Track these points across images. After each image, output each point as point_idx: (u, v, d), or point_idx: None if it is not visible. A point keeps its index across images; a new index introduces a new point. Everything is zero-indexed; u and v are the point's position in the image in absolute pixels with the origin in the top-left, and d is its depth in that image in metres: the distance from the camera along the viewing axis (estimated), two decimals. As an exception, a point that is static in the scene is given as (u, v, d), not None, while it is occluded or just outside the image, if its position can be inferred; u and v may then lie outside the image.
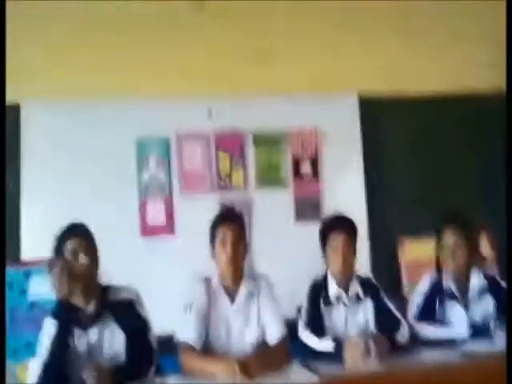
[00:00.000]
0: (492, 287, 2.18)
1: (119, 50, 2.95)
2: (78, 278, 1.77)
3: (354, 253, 2.18)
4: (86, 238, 1.85)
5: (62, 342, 1.71)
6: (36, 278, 2.11)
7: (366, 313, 2.16)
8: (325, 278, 2.19)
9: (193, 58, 3.02)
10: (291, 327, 2.08)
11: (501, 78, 3.25)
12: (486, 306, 2.17)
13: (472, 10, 3.27)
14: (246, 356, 1.91)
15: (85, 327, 1.80)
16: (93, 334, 1.80)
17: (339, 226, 2.18)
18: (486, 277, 2.21)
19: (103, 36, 2.93)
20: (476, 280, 2.19)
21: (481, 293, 2.18)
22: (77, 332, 1.79)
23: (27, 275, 2.14)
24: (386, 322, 2.08)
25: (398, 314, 2.11)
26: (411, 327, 2.09)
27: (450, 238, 2.20)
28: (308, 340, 2.03)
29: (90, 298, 1.82)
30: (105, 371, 1.68)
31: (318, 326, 2.06)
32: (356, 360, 1.85)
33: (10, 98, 2.70)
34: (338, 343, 1.93)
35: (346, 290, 2.16)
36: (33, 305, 2.12)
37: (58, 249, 1.81)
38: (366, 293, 2.16)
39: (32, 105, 2.83)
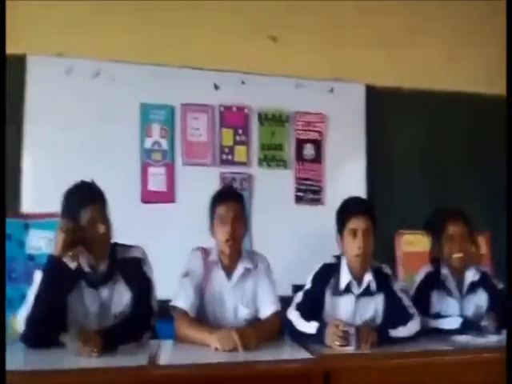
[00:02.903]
0: (485, 283, 2.21)
1: (133, 13, 2.89)
2: (94, 245, 1.75)
3: (373, 241, 2.00)
4: (101, 203, 1.80)
5: (47, 297, 1.65)
6: (35, 232, 2.09)
7: (376, 306, 2.03)
8: (337, 264, 2.05)
9: (205, 31, 2.98)
10: (286, 305, 2.04)
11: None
12: (478, 301, 2.19)
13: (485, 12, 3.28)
14: (240, 327, 1.91)
15: (96, 286, 1.79)
16: (103, 292, 1.80)
17: (361, 209, 2.01)
18: (481, 272, 2.23)
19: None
20: (471, 274, 2.21)
21: (474, 287, 2.20)
22: (88, 291, 1.78)
23: (26, 228, 2.11)
24: (396, 315, 1.94)
25: (410, 307, 1.98)
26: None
27: (455, 231, 2.17)
28: (295, 320, 1.93)
29: (102, 258, 1.80)
30: (90, 335, 1.59)
31: (312, 311, 1.93)
32: (334, 344, 1.74)
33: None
34: (322, 325, 1.82)
35: (360, 281, 2.02)
36: (30, 258, 2.10)
37: (70, 208, 1.75)
38: (377, 284, 2.02)
39: (38, 58, 2.75)
